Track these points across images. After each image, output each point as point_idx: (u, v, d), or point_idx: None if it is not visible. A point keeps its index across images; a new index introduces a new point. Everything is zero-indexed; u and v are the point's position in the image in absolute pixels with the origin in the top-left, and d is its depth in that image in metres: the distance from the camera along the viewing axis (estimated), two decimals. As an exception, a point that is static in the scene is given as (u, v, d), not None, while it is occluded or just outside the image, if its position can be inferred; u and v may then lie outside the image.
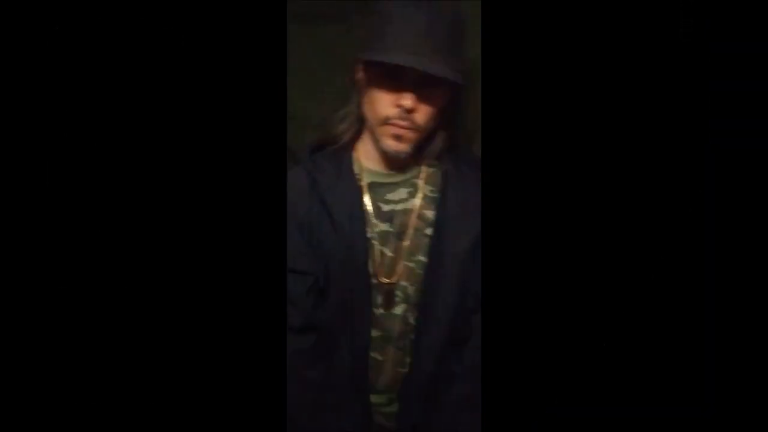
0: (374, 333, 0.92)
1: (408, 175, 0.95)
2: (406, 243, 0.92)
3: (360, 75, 0.91)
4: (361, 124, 0.95)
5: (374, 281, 0.91)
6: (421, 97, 0.87)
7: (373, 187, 0.94)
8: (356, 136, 0.97)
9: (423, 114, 0.88)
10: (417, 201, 0.94)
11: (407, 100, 0.85)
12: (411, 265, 0.92)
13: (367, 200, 0.94)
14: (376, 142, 0.92)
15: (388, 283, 0.92)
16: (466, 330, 0.92)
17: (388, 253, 0.92)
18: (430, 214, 0.93)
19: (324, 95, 1.45)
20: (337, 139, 0.97)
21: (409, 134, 0.89)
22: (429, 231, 0.92)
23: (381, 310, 0.92)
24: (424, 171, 0.95)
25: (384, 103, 0.88)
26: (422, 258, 0.92)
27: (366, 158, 0.96)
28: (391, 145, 0.89)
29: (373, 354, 0.92)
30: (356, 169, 0.96)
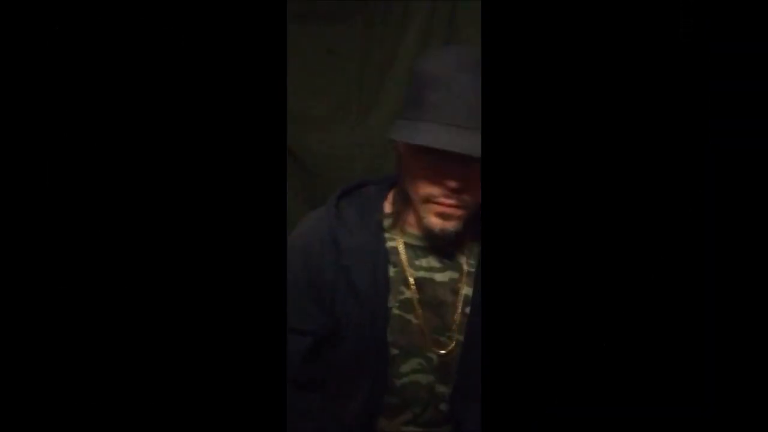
0: (393, 400, 0.86)
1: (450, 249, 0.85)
2: (435, 317, 0.84)
3: (397, 147, 0.81)
4: (405, 199, 0.83)
5: (396, 353, 0.84)
6: (471, 175, 0.75)
7: (403, 250, 0.84)
8: (401, 215, 0.85)
9: (472, 191, 0.77)
10: (450, 274, 0.85)
11: (452, 181, 0.76)
12: (440, 338, 0.84)
13: (394, 267, 0.83)
14: (419, 218, 0.81)
15: (444, 354, 0.84)
16: None
17: (414, 321, 0.83)
18: (465, 289, 0.85)
19: (324, 95, 1.46)
20: (381, 224, 0.85)
21: (457, 212, 0.78)
22: (467, 309, 0.84)
23: (403, 380, 0.85)
24: (468, 243, 0.85)
25: (425, 182, 0.77)
26: (459, 337, 0.84)
27: (404, 223, 0.85)
28: (435, 223, 0.79)
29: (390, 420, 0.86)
30: (386, 224, 0.85)
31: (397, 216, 0.85)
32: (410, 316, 0.83)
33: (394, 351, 0.83)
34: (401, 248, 0.84)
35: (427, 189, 0.77)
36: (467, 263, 0.84)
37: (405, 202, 0.83)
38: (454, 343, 0.83)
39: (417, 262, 0.84)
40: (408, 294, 0.83)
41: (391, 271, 0.83)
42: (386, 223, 0.85)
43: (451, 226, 0.78)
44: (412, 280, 0.83)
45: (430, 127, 0.73)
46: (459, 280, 0.84)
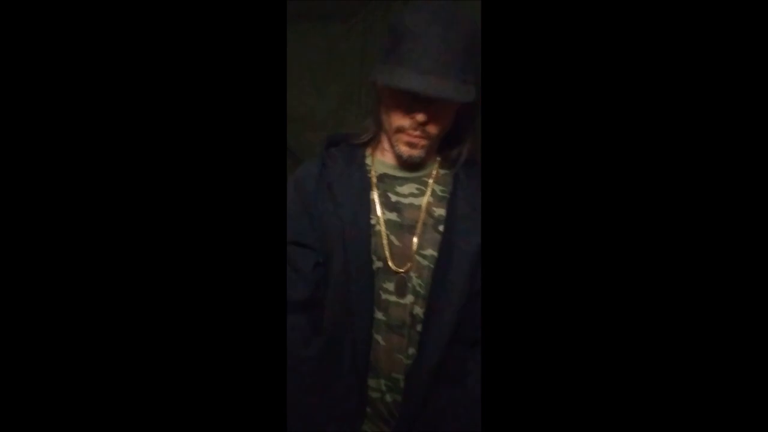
0: (379, 316, 0.94)
1: (419, 174, 0.99)
2: (416, 237, 0.95)
3: (376, 87, 0.95)
4: (379, 128, 1.00)
5: (380, 265, 0.95)
6: (434, 111, 0.92)
7: (383, 179, 0.99)
8: (374, 138, 1.02)
9: (436, 126, 0.93)
10: (426, 198, 0.98)
11: (419, 115, 0.91)
12: (420, 259, 0.95)
13: (375, 190, 0.98)
14: (392, 146, 0.98)
15: (400, 272, 0.94)
16: (479, 331, 0.93)
17: (396, 242, 0.95)
18: (440, 211, 0.97)
19: (324, 95, 1.46)
20: (355, 138, 1.02)
21: (422, 142, 0.94)
22: (440, 227, 0.96)
23: (391, 297, 0.94)
24: (436, 171, 1.00)
25: (398, 115, 0.93)
26: (432, 252, 0.95)
27: (381, 154, 1.01)
28: (404, 150, 0.95)
29: (375, 336, 0.94)
30: (368, 161, 1.01)
31: (375, 145, 1.02)
32: (392, 237, 0.96)
33: (378, 264, 0.95)
34: (378, 176, 0.99)
35: (399, 122, 0.93)
36: (440, 190, 0.99)
37: (380, 133, 1.00)
38: (427, 262, 0.95)
39: (397, 189, 0.99)
40: (389, 216, 0.97)
41: (374, 194, 0.98)
42: (368, 160, 1.01)
43: (416, 153, 0.95)
44: (393, 202, 0.97)
45: (404, 72, 0.87)
46: (433, 204, 0.98)
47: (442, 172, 1.00)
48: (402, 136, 0.94)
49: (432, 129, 0.93)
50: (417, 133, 0.93)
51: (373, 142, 1.01)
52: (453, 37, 0.87)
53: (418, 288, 0.94)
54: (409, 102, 0.91)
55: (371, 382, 0.95)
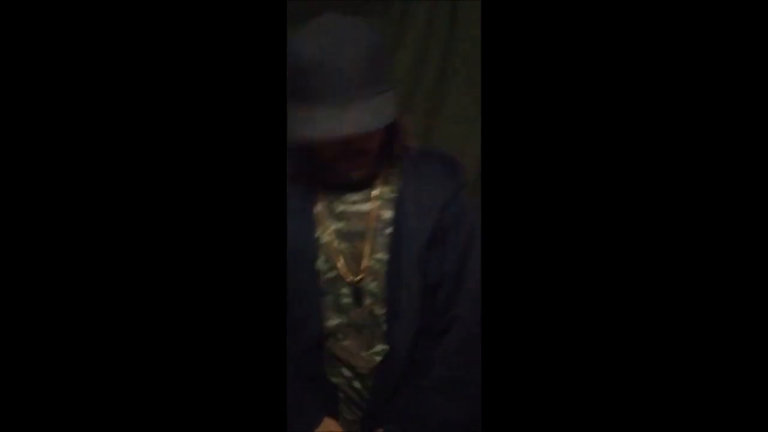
0: (340, 321, 0.95)
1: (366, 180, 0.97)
2: (366, 243, 0.94)
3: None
4: (311, 160, 0.94)
5: (333, 275, 0.94)
6: (361, 140, 0.86)
7: (329, 189, 0.96)
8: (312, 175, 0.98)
9: (371, 143, 0.88)
10: (371, 203, 0.95)
11: (349, 148, 0.86)
12: (373, 263, 0.94)
13: (319, 202, 0.95)
14: (337, 173, 0.93)
15: (355, 281, 0.94)
16: (444, 321, 0.96)
17: (347, 250, 0.95)
18: (388, 214, 0.95)
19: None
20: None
21: (363, 160, 0.90)
22: (388, 230, 0.94)
23: (350, 300, 0.95)
24: (382, 176, 0.96)
25: (327, 150, 0.88)
26: (383, 256, 0.94)
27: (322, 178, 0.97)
28: (352, 175, 0.92)
29: (343, 343, 0.95)
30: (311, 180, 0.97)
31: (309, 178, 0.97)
32: (343, 245, 0.95)
33: (331, 274, 0.94)
34: (328, 188, 0.96)
35: (331, 153, 0.88)
36: (388, 191, 0.96)
37: (311, 165, 0.95)
38: (380, 265, 0.94)
39: (343, 197, 0.96)
40: (336, 225, 0.95)
41: (318, 207, 0.95)
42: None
43: (364, 173, 0.92)
44: (339, 211, 0.95)
45: (314, 119, 0.82)
46: (381, 207, 0.95)
47: (390, 171, 0.96)
48: (341, 165, 0.89)
49: (369, 147, 0.88)
50: (355, 159, 0.88)
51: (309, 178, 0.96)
52: (359, 56, 0.81)
53: (375, 290, 0.94)
54: (334, 146, 0.86)
55: (336, 371, 0.97)
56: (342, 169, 0.91)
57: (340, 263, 0.94)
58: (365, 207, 0.95)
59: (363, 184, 0.96)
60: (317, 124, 0.82)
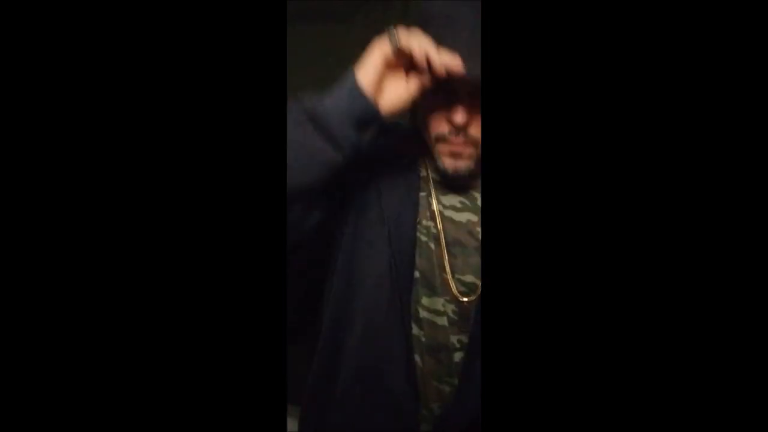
0: (415, 332, 0.84)
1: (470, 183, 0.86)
2: (452, 258, 0.84)
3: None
4: (419, 138, 0.85)
5: (417, 276, 0.83)
6: (475, 109, 0.78)
7: (429, 180, 0.86)
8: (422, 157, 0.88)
9: (480, 127, 0.78)
10: (468, 214, 0.85)
11: (458, 115, 0.77)
12: (455, 284, 0.84)
13: (423, 191, 0.85)
14: (437, 164, 0.84)
15: (463, 301, 0.83)
16: None
17: (436, 255, 0.84)
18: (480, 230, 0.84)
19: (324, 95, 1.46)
20: (405, 162, 0.88)
21: (468, 150, 0.80)
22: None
23: (426, 314, 0.84)
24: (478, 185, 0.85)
25: (435, 121, 0.80)
26: (474, 280, 0.84)
27: (431, 170, 0.87)
28: (449, 164, 0.81)
29: (414, 355, 0.84)
30: (418, 163, 0.88)
31: (419, 157, 0.87)
32: (432, 244, 0.84)
33: (416, 273, 0.83)
34: (429, 180, 0.86)
35: (437, 128, 0.80)
36: None
37: (424, 145, 0.85)
38: (476, 293, 0.82)
39: (441, 198, 0.86)
40: (430, 224, 0.85)
41: (420, 194, 0.85)
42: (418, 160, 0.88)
43: (463, 164, 0.81)
44: (436, 211, 0.85)
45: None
46: (478, 224, 0.84)
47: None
48: (443, 146, 0.80)
49: (477, 132, 0.79)
50: (460, 139, 0.79)
51: (421, 153, 0.87)
52: (475, 15, 0.74)
53: (451, 314, 0.84)
54: (446, 100, 0.78)
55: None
56: (446, 154, 0.80)
57: (447, 273, 0.82)
58: (459, 216, 0.85)
59: (461, 186, 0.85)
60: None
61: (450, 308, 0.84)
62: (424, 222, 0.85)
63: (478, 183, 0.86)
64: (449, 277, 0.83)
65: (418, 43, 0.72)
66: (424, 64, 0.73)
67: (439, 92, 0.77)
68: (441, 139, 0.80)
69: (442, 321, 0.84)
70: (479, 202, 0.86)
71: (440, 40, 0.74)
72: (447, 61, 0.72)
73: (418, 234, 0.84)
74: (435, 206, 0.85)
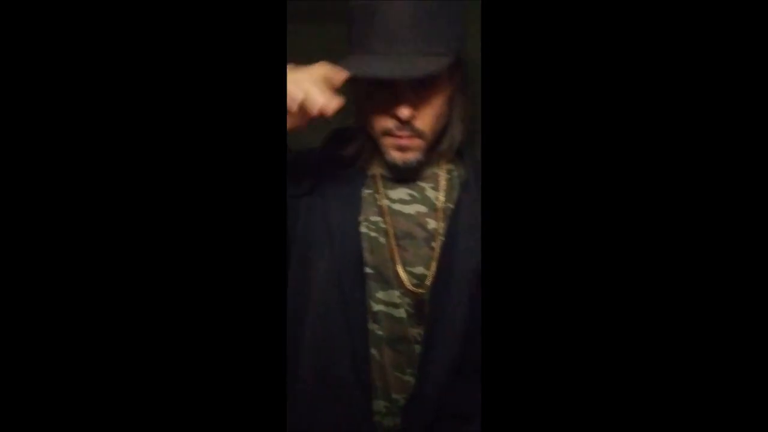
0: (373, 328, 0.85)
1: (417, 176, 0.88)
2: (403, 251, 0.85)
3: (349, 86, 0.82)
4: (366, 134, 0.87)
5: (371, 272, 0.85)
6: (419, 101, 0.79)
7: (376, 178, 0.88)
8: (364, 145, 0.89)
9: (425, 119, 0.81)
10: (417, 206, 0.87)
11: (402, 110, 0.79)
12: (406, 276, 0.85)
13: (365, 189, 0.87)
14: (384, 158, 0.85)
15: (419, 293, 0.84)
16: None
17: (386, 249, 0.85)
18: (434, 224, 0.86)
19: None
20: (348, 161, 0.89)
21: (415, 142, 0.82)
22: (434, 244, 0.85)
23: (383, 307, 0.85)
24: (437, 175, 0.88)
25: (380, 117, 0.81)
26: (423, 271, 0.85)
27: (376, 155, 0.88)
28: (396, 156, 0.83)
29: (372, 350, 0.85)
30: (363, 163, 0.89)
31: (363, 154, 0.89)
32: (382, 239, 0.85)
33: (368, 269, 0.85)
34: (377, 177, 0.87)
35: (382, 123, 0.81)
36: (439, 200, 0.87)
37: (369, 141, 0.87)
38: (428, 284, 0.84)
39: (388, 192, 0.87)
40: (378, 220, 0.86)
41: (365, 192, 0.87)
42: (362, 160, 0.89)
43: (411, 157, 0.82)
44: (383, 206, 0.86)
45: (372, 59, 0.75)
46: (427, 215, 0.86)
47: (443, 176, 0.87)
48: (389, 140, 0.82)
49: (422, 125, 0.81)
50: (405, 133, 0.80)
51: (365, 149, 0.89)
52: (424, 7, 0.75)
53: (408, 307, 0.85)
54: (385, 96, 0.79)
55: (373, 405, 0.86)
56: (393, 148, 0.81)
57: (399, 266, 0.84)
58: (408, 209, 0.86)
59: (409, 177, 0.86)
60: (373, 65, 0.75)
61: (406, 301, 0.86)
62: (372, 218, 0.86)
63: (428, 175, 0.87)
64: (401, 269, 0.84)
65: (295, 88, 0.72)
66: (294, 109, 0.73)
67: (382, 89, 0.78)
68: (387, 133, 0.82)
69: (400, 313, 0.86)
70: (427, 193, 0.87)
71: (377, 38, 0.75)
72: (320, 102, 0.72)
73: (365, 230, 0.85)
74: (383, 201, 0.86)
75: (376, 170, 0.89)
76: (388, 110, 0.80)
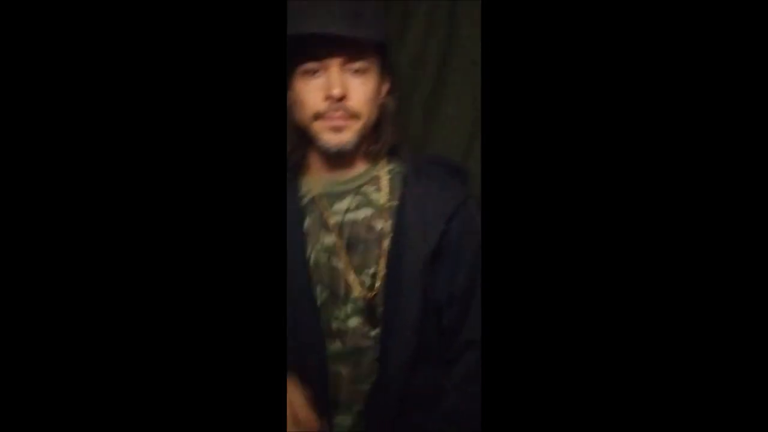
0: (335, 346, 0.88)
1: (356, 183, 0.89)
2: (357, 255, 0.87)
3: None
4: (302, 136, 0.87)
5: (326, 295, 0.87)
6: (351, 80, 0.81)
7: (318, 200, 0.89)
8: (301, 155, 0.90)
9: (357, 99, 0.82)
10: (363, 211, 0.88)
11: (335, 87, 0.80)
12: (364, 278, 0.87)
13: (308, 217, 0.88)
14: (317, 145, 0.85)
15: (369, 297, 0.86)
16: (454, 347, 0.88)
17: (339, 266, 0.87)
18: (381, 224, 0.88)
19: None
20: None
21: (348, 122, 0.82)
22: (384, 243, 0.87)
23: (343, 324, 0.88)
24: (375, 176, 0.90)
25: (311, 99, 0.82)
26: (375, 270, 0.87)
27: (313, 171, 0.90)
28: (330, 139, 0.83)
29: (335, 367, 0.87)
30: (304, 187, 0.90)
31: (302, 160, 0.89)
32: (333, 260, 0.87)
33: (324, 295, 0.87)
34: (317, 198, 0.88)
35: (314, 107, 0.81)
36: (383, 200, 0.88)
37: (303, 142, 0.87)
38: (379, 283, 0.87)
39: (333, 208, 0.88)
40: (329, 239, 0.87)
41: (307, 222, 0.87)
42: (304, 186, 0.89)
43: (345, 137, 0.83)
44: (331, 224, 0.87)
45: (306, 21, 0.78)
46: (374, 216, 0.88)
47: (384, 176, 0.89)
48: (322, 123, 0.82)
49: (355, 104, 0.82)
50: (339, 113, 0.81)
51: (302, 160, 0.90)
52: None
53: (360, 313, 0.87)
54: (318, 77, 0.80)
55: (338, 419, 0.87)
56: (327, 130, 0.82)
57: (334, 280, 0.86)
58: (356, 215, 0.88)
59: (350, 173, 0.87)
60: (308, 24, 0.78)
61: (359, 307, 0.88)
62: (325, 241, 0.88)
63: (369, 179, 0.88)
64: (352, 276, 0.87)
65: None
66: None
67: (310, 70, 0.80)
68: (319, 116, 0.82)
69: (354, 323, 0.88)
70: (372, 196, 0.88)
71: (311, 7, 0.78)
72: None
73: (316, 259, 0.87)
74: (332, 219, 0.87)
75: (314, 188, 0.89)
76: (319, 92, 0.81)
